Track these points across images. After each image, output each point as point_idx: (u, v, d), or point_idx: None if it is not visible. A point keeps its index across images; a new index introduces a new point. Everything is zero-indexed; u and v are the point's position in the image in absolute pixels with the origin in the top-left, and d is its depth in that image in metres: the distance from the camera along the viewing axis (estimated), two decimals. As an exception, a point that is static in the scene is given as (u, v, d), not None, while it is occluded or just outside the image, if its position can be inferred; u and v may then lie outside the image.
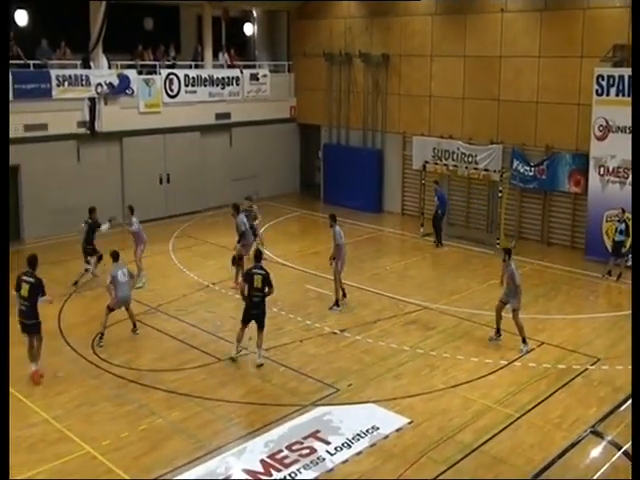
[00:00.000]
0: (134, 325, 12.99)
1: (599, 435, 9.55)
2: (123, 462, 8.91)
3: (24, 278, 10.83)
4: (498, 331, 12.77)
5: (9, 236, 9.58)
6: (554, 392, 10.82)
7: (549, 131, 18.85)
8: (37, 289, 10.78)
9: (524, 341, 12.39)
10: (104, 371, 11.40)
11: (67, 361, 11.81)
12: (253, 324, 11.74)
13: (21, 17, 19.60)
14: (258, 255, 12.09)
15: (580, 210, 18.44)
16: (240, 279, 14.79)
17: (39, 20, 19.80)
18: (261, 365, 11.59)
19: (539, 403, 10.48)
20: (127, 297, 12.75)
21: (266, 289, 11.61)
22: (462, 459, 9.02)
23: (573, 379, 11.26)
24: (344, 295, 14.39)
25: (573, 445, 9.29)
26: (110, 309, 12.58)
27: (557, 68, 18.58)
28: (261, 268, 11.73)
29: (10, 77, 17.63)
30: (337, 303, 14.16)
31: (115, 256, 12.80)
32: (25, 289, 10.76)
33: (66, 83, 19.07)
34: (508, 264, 12.55)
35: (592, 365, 11.76)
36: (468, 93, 20.52)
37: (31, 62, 18.76)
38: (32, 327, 10.90)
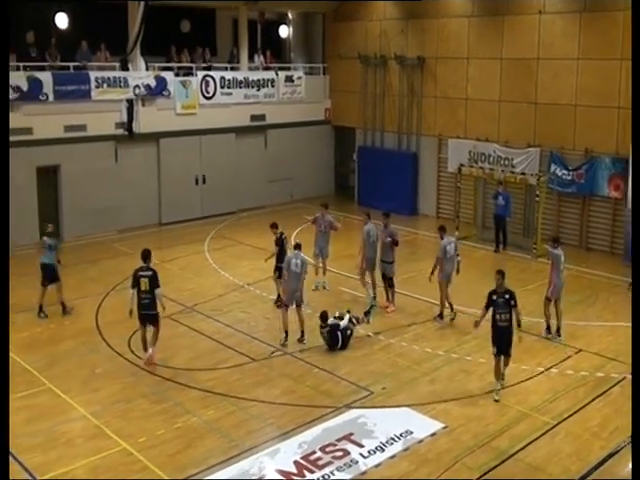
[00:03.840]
0: (301, 334, 12.52)
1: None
2: (158, 459, 9.00)
3: (141, 274, 11.35)
4: (548, 328, 12.94)
5: (9, 237, 9.77)
6: (592, 400, 10.64)
7: (588, 134, 18.55)
8: (154, 281, 11.32)
9: (558, 330, 12.82)
10: (140, 369, 11.54)
11: (105, 358, 11.99)
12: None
13: (61, 20, 19.96)
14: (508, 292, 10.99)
15: (620, 215, 18.12)
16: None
17: (79, 23, 20.14)
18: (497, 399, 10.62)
19: (576, 411, 10.31)
20: (294, 290, 12.43)
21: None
22: (497, 466, 8.92)
23: (611, 388, 11.05)
24: (451, 309, 13.80)
25: (611, 455, 9.15)
26: (285, 305, 12.52)
27: (596, 70, 18.28)
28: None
29: (51, 79, 18.19)
30: (441, 315, 13.74)
31: (297, 245, 12.81)
32: (144, 283, 11.27)
33: (105, 85, 19.35)
34: (554, 247, 12.74)
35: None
36: (505, 96, 20.29)
37: (71, 64, 19.10)
38: (154, 318, 11.47)
